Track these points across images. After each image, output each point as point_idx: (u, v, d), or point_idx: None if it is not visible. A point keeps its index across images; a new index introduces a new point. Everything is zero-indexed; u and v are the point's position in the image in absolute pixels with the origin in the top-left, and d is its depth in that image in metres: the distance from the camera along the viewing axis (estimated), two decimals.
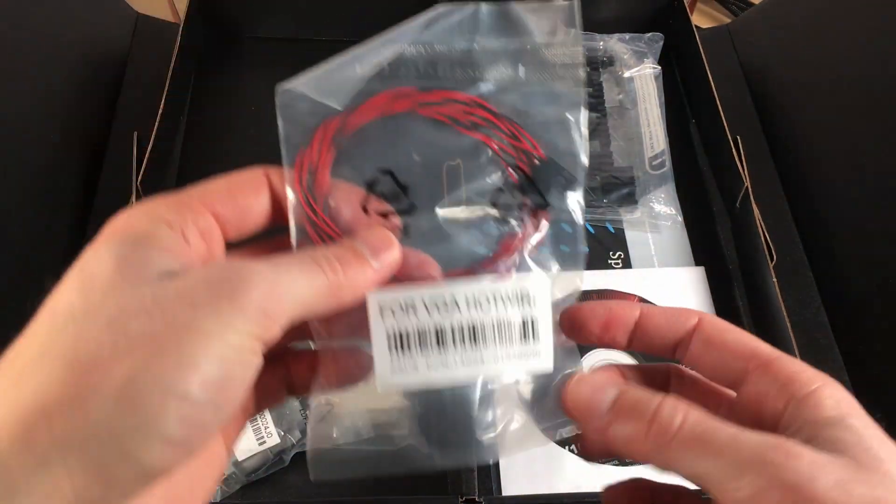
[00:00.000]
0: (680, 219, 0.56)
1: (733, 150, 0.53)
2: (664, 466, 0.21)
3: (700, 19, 0.75)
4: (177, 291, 0.19)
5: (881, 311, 0.50)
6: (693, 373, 0.26)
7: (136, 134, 0.51)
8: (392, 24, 0.71)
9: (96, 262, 0.20)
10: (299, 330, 0.23)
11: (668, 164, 0.57)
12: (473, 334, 0.23)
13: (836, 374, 0.50)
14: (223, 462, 0.24)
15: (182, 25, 0.58)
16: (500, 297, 0.23)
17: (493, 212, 0.25)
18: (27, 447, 0.17)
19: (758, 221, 0.50)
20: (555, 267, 0.25)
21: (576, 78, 0.25)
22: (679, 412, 0.21)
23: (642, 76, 0.60)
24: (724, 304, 0.52)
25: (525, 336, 0.23)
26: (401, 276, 0.24)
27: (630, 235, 0.55)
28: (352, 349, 0.24)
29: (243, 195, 0.24)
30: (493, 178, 0.25)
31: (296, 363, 0.26)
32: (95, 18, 0.61)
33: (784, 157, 0.60)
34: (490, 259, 0.25)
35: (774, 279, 0.48)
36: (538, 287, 0.23)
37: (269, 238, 0.26)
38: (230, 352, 0.19)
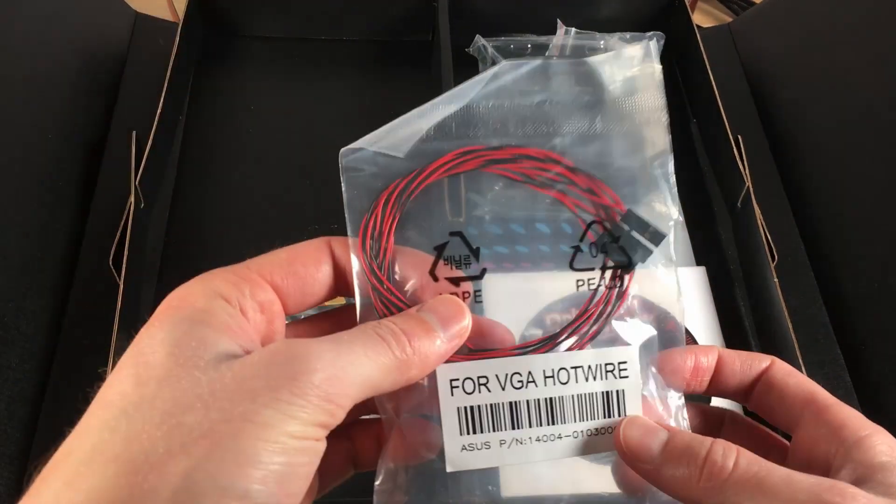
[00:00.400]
0: (681, 219, 0.55)
1: (734, 150, 0.53)
2: None
3: (701, 18, 0.75)
4: (234, 379, 0.18)
5: (882, 312, 0.50)
6: (748, 419, 0.26)
7: (134, 133, 0.51)
8: (391, 23, 0.70)
9: (150, 346, 0.19)
10: (364, 403, 0.22)
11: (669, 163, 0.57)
12: (551, 410, 0.21)
13: (837, 374, 0.50)
14: None
15: (181, 25, 0.57)
16: (583, 368, 0.21)
17: (572, 275, 0.23)
18: None
19: (759, 221, 0.50)
20: (645, 334, 0.23)
21: (659, 123, 0.23)
22: (732, 454, 0.21)
23: (643, 75, 0.60)
24: (725, 304, 0.52)
25: (609, 411, 0.22)
26: (473, 346, 0.22)
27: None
28: (420, 423, 0.23)
29: (304, 266, 0.22)
30: (571, 238, 0.23)
31: (361, 437, 0.25)
32: (94, 17, 0.61)
33: (785, 156, 0.60)
34: (570, 325, 0.23)
35: (776, 279, 0.47)
36: (624, 357, 0.22)
37: (333, 311, 0.25)
38: (292, 443, 0.18)
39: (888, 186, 0.51)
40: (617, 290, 0.23)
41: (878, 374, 0.49)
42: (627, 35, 0.61)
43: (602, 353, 0.22)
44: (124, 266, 0.46)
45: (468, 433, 0.21)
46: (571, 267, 0.23)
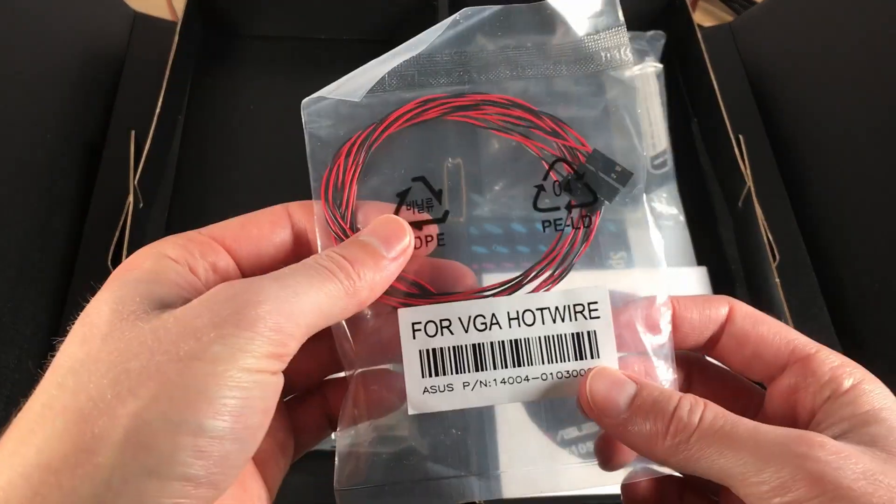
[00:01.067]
0: (682, 218, 0.55)
1: (735, 150, 0.53)
2: (684, 466, 0.20)
3: (702, 17, 0.75)
4: (177, 322, 0.18)
5: (883, 311, 0.49)
6: (716, 364, 0.25)
7: (133, 133, 0.50)
8: (391, 23, 0.70)
9: (95, 308, 0.19)
10: (335, 361, 0.23)
11: (670, 163, 0.56)
12: (516, 352, 0.21)
13: None
14: (265, 500, 0.22)
15: (180, 24, 0.57)
16: (549, 309, 0.21)
17: (537, 215, 0.23)
18: None
19: (760, 221, 0.50)
20: (616, 270, 0.23)
21: (623, 62, 0.23)
22: (698, 409, 0.20)
23: (644, 75, 0.60)
24: None
25: (580, 352, 0.21)
26: (436, 290, 0.22)
27: (631, 235, 0.55)
28: (381, 372, 0.23)
29: (258, 228, 0.23)
30: (534, 179, 0.23)
31: (334, 394, 0.24)
32: (93, 17, 0.61)
33: (786, 156, 0.60)
34: (535, 267, 0.23)
35: (777, 279, 0.47)
36: (594, 297, 0.22)
37: None
38: (244, 376, 0.18)
39: (889, 186, 0.50)
40: (584, 230, 0.23)
41: (878, 374, 0.49)
42: (629, 34, 0.61)
43: (570, 293, 0.21)
44: None
45: (430, 375, 0.21)
46: (535, 207, 0.23)
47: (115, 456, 0.16)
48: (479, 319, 0.21)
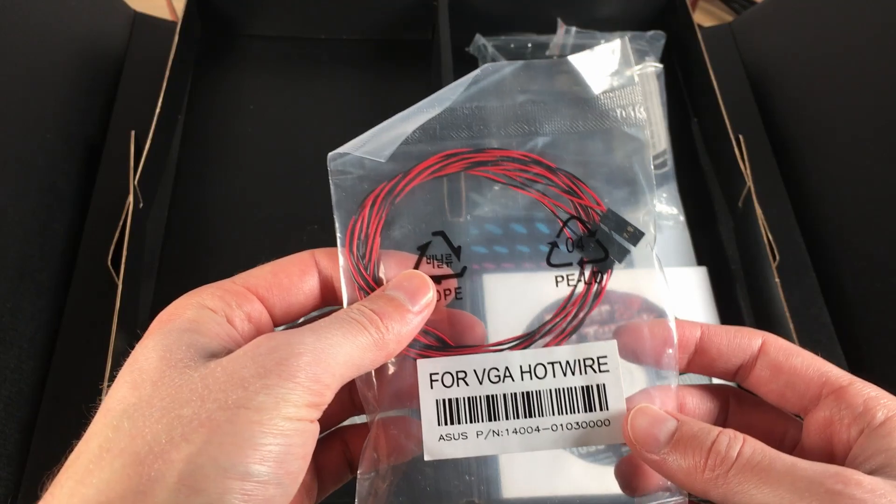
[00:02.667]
0: (682, 218, 0.55)
1: (735, 150, 0.53)
2: (722, 498, 0.20)
3: (702, 17, 0.75)
4: (225, 371, 0.19)
5: (883, 312, 0.49)
6: (753, 396, 0.25)
7: (133, 133, 0.50)
8: (391, 23, 0.70)
9: (143, 355, 0.21)
10: (355, 404, 0.24)
11: (670, 163, 0.56)
12: (528, 403, 0.22)
13: None
14: None
15: (180, 24, 0.57)
16: (560, 363, 0.22)
17: (550, 271, 0.24)
18: None
19: (760, 221, 0.50)
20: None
21: (637, 120, 0.24)
22: (736, 443, 0.21)
23: (644, 75, 0.60)
24: (726, 304, 0.52)
25: (590, 405, 0.22)
26: (453, 343, 0.23)
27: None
28: (401, 418, 0.24)
29: (288, 277, 0.24)
30: (548, 237, 0.24)
31: (353, 439, 0.25)
32: (93, 17, 0.61)
33: (786, 156, 0.60)
34: (548, 322, 0.24)
35: (777, 279, 0.47)
36: (603, 352, 0.22)
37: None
38: (286, 424, 0.19)
39: (889, 186, 0.50)
40: (595, 286, 0.23)
41: (879, 374, 0.49)
42: (629, 34, 0.61)
43: (580, 348, 0.22)
44: (123, 266, 0.46)
45: (446, 424, 0.22)
46: (549, 263, 0.24)
47: (168, 497, 0.18)
48: (493, 372, 0.22)
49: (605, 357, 0.23)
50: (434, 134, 0.24)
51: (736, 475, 0.20)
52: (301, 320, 0.25)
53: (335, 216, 0.24)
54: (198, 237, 0.54)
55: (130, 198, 0.48)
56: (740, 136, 0.54)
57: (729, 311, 0.51)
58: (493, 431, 0.22)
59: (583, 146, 0.24)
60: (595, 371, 0.22)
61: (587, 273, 0.23)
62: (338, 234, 0.24)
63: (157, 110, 0.51)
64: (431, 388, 0.22)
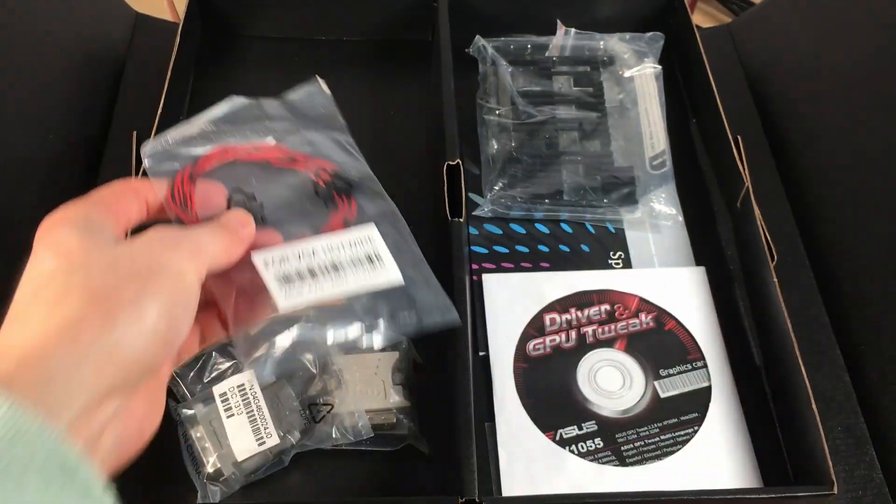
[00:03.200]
0: (681, 218, 0.56)
1: (734, 150, 0.53)
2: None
3: (700, 18, 0.75)
4: (141, 245, 0.27)
5: (882, 312, 0.50)
6: None
7: (135, 133, 0.51)
8: (391, 24, 0.70)
9: (60, 240, 0.27)
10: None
11: (669, 163, 0.57)
12: (335, 267, 0.31)
13: (837, 375, 0.50)
14: (163, 403, 0.30)
15: (181, 25, 0.57)
16: (347, 242, 0.32)
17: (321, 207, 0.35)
18: (72, 348, 0.23)
19: (759, 221, 0.50)
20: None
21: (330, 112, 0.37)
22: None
23: (643, 76, 0.60)
24: (724, 304, 0.52)
25: (372, 262, 0.32)
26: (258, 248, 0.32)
27: (630, 235, 0.55)
28: (256, 290, 0.31)
29: (127, 200, 0.30)
30: (307, 189, 0.35)
31: (205, 320, 0.32)
32: (94, 18, 0.61)
33: (785, 156, 0.60)
34: (326, 225, 0.34)
35: (775, 279, 0.48)
36: (370, 231, 0.33)
37: None
38: (194, 280, 0.27)
39: (888, 186, 0.51)
40: (346, 202, 0.35)
41: (877, 374, 0.49)
42: (627, 35, 0.62)
43: (355, 230, 0.33)
44: None
45: (285, 288, 0.30)
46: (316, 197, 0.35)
47: (123, 320, 0.24)
48: (306, 253, 0.31)
49: (372, 234, 0.32)
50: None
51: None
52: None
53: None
54: None
55: None
56: (738, 137, 0.54)
57: (727, 312, 0.52)
58: (318, 287, 0.31)
59: (302, 137, 0.36)
60: (370, 243, 0.32)
61: (336, 196, 0.35)
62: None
63: (159, 111, 0.51)
64: (266, 269, 0.30)
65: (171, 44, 0.56)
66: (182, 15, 0.59)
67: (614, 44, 0.61)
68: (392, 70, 0.64)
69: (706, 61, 0.58)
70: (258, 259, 0.31)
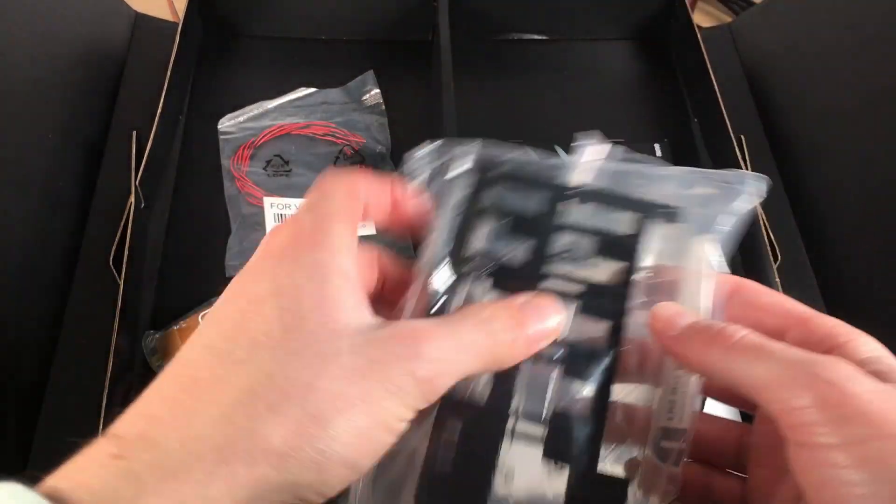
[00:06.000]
0: None
1: (736, 150, 0.53)
2: (724, 373, 0.22)
3: (701, 18, 0.75)
4: (368, 360, 0.20)
5: (883, 312, 0.49)
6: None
7: (135, 133, 0.51)
8: (391, 23, 0.70)
9: (290, 283, 0.20)
10: None
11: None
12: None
13: None
14: None
15: (181, 24, 0.57)
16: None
17: None
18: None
19: (762, 221, 0.50)
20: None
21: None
22: (741, 329, 0.22)
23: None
24: None
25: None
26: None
27: None
28: None
29: (359, 203, 0.24)
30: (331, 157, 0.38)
31: None
32: (94, 17, 0.61)
33: (786, 156, 0.60)
34: None
35: (778, 279, 0.47)
36: None
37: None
38: (395, 424, 0.20)
39: (889, 186, 0.50)
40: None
41: None
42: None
43: None
44: (124, 266, 0.46)
45: None
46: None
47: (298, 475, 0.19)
48: None
49: None
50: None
51: (738, 350, 0.22)
52: None
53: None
54: (199, 237, 0.54)
55: (132, 198, 0.48)
56: (742, 137, 0.54)
57: None
58: None
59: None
60: None
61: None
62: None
63: (159, 110, 0.51)
64: None
65: (171, 43, 0.56)
66: (182, 15, 0.59)
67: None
68: (392, 70, 0.64)
69: (707, 61, 0.58)
70: None
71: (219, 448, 0.18)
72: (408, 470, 0.24)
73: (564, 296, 0.25)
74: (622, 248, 0.27)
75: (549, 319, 0.24)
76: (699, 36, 0.59)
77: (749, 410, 0.28)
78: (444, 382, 0.21)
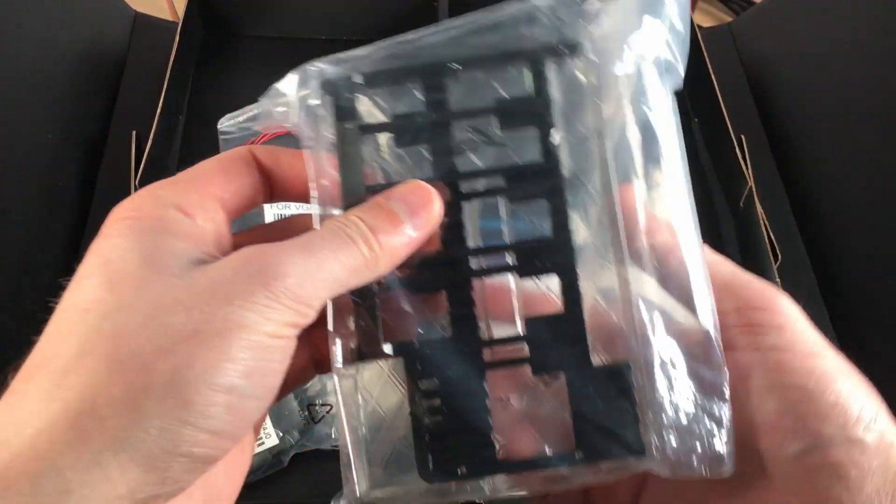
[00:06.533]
0: None
1: (737, 150, 0.53)
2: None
3: (701, 18, 0.75)
4: (210, 283, 0.19)
5: (883, 312, 0.49)
6: None
7: (134, 133, 0.51)
8: (391, 23, 0.70)
9: (118, 254, 0.20)
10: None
11: None
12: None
13: None
14: (252, 448, 0.24)
15: (180, 24, 0.57)
16: None
17: None
18: (80, 448, 0.17)
19: (762, 221, 0.50)
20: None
21: None
22: None
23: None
24: None
25: None
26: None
27: None
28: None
29: (238, 174, 0.24)
30: None
31: (322, 340, 0.24)
32: (94, 17, 0.61)
33: (786, 156, 0.60)
34: None
35: (778, 279, 0.47)
36: None
37: (278, 222, 0.27)
38: (268, 341, 0.19)
39: (889, 186, 0.50)
40: None
41: (878, 374, 0.49)
42: None
43: None
44: None
45: None
46: None
47: (155, 408, 0.18)
48: None
49: None
50: None
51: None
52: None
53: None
54: None
55: None
56: (742, 137, 0.54)
57: None
58: None
59: None
60: None
61: None
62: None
63: (158, 110, 0.51)
64: None
65: (171, 43, 0.56)
66: (181, 14, 0.59)
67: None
68: None
69: (707, 61, 0.58)
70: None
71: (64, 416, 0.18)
72: (396, 437, 0.23)
73: (484, 193, 0.23)
74: (526, 113, 0.24)
75: (425, 214, 0.22)
76: (699, 36, 0.59)
77: None
78: (308, 292, 0.20)
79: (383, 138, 0.24)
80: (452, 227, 0.23)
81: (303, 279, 0.19)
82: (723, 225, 0.56)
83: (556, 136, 0.24)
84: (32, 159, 0.50)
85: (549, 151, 0.24)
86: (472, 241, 0.23)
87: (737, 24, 0.69)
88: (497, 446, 0.22)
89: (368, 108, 0.24)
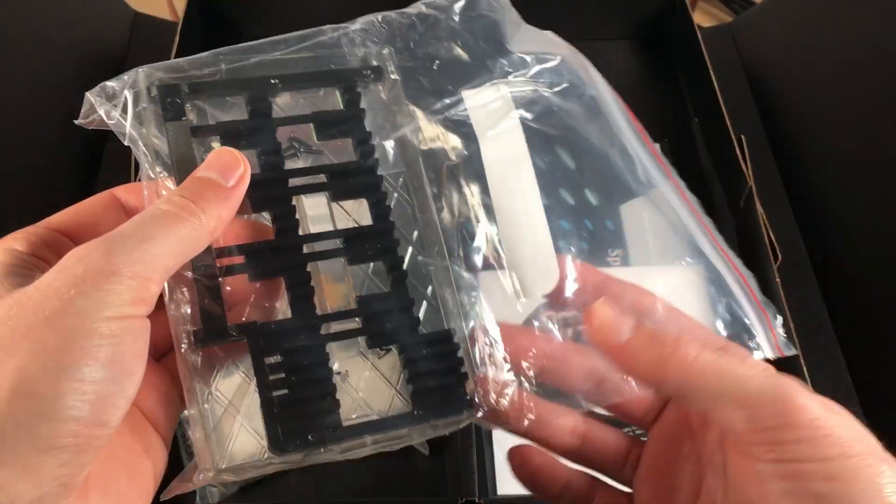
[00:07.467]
0: None
1: (737, 150, 0.53)
2: (678, 390, 0.22)
3: (701, 18, 0.75)
4: (37, 289, 0.20)
5: (883, 311, 0.49)
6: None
7: None
8: None
9: None
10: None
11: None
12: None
13: (837, 374, 0.50)
14: (163, 453, 0.24)
15: (180, 24, 0.57)
16: None
17: None
18: None
19: (762, 221, 0.50)
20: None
21: None
22: (692, 343, 0.22)
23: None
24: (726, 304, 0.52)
25: None
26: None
27: (630, 233, 0.55)
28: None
29: (94, 215, 0.25)
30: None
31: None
32: (93, 17, 0.61)
33: (786, 155, 0.60)
34: None
35: (778, 279, 0.47)
36: None
37: None
38: (111, 324, 0.19)
39: (889, 186, 0.50)
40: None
41: (878, 374, 0.49)
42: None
43: None
44: None
45: None
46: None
47: (4, 407, 0.18)
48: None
49: None
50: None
51: (695, 369, 0.22)
52: None
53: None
54: None
55: None
56: (742, 137, 0.54)
57: (728, 312, 0.51)
58: None
59: None
60: None
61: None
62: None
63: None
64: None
65: (171, 43, 0.56)
66: (181, 14, 0.59)
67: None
68: None
69: (707, 61, 0.58)
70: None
71: None
72: (240, 414, 0.25)
73: (312, 188, 0.26)
74: (342, 125, 0.28)
75: (235, 171, 0.23)
76: (699, 36, 0.59)
77: (642, 427, 0.28)
78: (145, 269, 0.20)
79: (213, 140, 0.26)
80: (284, 217, 0.26)
81: (131, 256, 0.20)
82: (723, 225, 0.56)
83: (372, 141, 0.28)
84: (31, 160, 0.50)
85: (365, 154, 0.27)
86: (303, 230, 0.26)
87: (737, 24, 0.69)
88: (340, 413, 0.24)
89: (196, 114, 0.27)
